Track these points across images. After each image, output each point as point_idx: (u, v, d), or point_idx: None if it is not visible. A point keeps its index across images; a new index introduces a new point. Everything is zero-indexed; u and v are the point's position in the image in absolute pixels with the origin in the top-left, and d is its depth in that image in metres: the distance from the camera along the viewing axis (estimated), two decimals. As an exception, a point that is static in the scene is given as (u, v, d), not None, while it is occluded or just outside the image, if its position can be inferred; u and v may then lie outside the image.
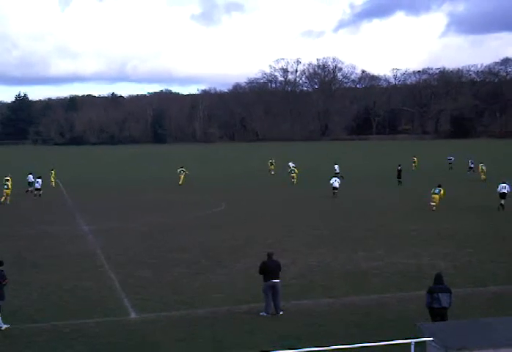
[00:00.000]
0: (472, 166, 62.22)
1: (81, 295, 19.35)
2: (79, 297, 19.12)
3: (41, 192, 46.95)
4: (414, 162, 68.82)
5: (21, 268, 23.15)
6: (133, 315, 17.28)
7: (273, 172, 66.20)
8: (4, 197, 43.23)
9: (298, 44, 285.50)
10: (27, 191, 48.88)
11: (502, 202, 35.90)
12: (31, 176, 50.59)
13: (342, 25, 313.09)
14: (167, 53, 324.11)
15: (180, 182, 55.84)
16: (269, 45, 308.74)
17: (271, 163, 67.86)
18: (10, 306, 17.98)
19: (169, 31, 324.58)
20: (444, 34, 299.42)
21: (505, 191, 36.54)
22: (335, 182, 44.63)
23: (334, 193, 44.07)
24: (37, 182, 47.23)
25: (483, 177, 54.25)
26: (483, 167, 55.38)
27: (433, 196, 36.41)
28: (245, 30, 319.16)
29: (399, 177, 52.20)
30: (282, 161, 71.64)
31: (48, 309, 17.86)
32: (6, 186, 43.49)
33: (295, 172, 56.38)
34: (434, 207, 35.94)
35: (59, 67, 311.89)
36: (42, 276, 21.73)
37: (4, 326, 16.14)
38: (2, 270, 16.52)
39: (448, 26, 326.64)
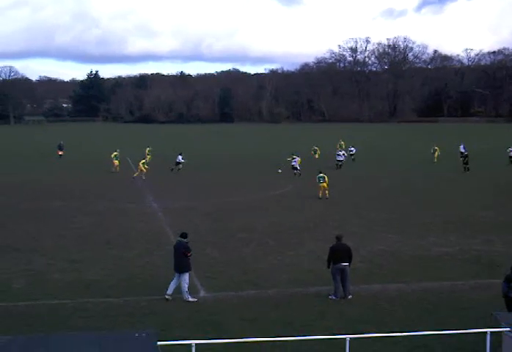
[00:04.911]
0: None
1: (152, 272, 19.70)
2: (150, 274, 19.48)
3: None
4: (436, 151, 58.77)
5: (94, 243, 23.74)
6: (202, 293, 17.49)
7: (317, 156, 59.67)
8: (137, 173, 45.36)
9: (371, 23, 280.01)
10: None
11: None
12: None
13: (425, 3, 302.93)
14: (243, 32, 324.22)
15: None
16: (345, 24, 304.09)
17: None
18: (84, 281, 18.54)
19: (248, 9, 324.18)
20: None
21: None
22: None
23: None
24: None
25: None
26: None
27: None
28: (324, 10, 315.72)
29: (465, 162, 50.26)
30: (349, 143, 70.79)
31: (120, 284, 18.27)
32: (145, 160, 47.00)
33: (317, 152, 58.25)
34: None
35: (136, 45, 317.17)
36: (115, 253, 22.23)
37: (169, 297, 16.78)
38: (187, 242, 17.19)
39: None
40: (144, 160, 46.76)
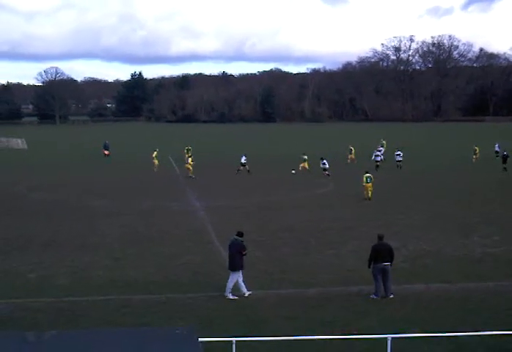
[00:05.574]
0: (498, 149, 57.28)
1: (193, 269, 19.87)
2: (191, 271, 19.64)
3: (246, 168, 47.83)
4: (476, 151, 56.80)
5: (138, 241, 24.05)
6: (243, 291, 17.53)
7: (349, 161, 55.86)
8: (190, 170, 45.72)
9: (416, 22, 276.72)
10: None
11: None
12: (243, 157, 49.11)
13: (473, 1, 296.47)
14: (286, 32, 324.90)
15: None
16: (389, 23, 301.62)
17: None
18: (127, 278, 18.80)
19: (291, 9, 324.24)
20: None
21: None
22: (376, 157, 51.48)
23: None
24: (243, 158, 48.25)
25: None
26: None
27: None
28: (368, 8, 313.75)
29: (504, 162, 49.02)
30: (391, 144, 70.11)
31: (162, 281, 18.46)
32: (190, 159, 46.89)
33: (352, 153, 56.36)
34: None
35: (180, 46, 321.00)
36: (157, 250, 22.48)
37: (247, 293, 17.08)
38: (242, 241, 17.51)
39: None
40: (190, 158, 47.19)
